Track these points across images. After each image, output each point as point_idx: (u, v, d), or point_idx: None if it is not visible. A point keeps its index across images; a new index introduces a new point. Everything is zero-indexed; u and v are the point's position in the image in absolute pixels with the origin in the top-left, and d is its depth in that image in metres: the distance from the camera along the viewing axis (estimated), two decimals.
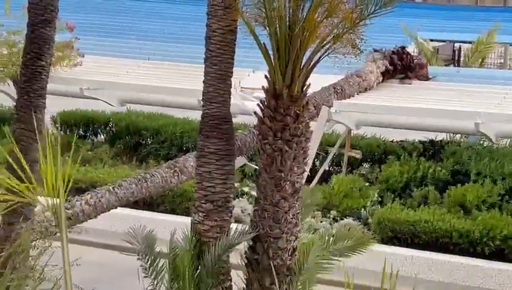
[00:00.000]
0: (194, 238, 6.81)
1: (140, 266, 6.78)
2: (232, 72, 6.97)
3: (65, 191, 4.01)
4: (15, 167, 5.33)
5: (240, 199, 14.91)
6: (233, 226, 7.15)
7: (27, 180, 4.13)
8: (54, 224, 7.34)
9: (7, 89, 19.96)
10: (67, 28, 19.17)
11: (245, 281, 6.88)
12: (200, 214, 6.90)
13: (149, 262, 6.75)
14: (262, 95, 6.82)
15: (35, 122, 8.04)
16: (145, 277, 6.74)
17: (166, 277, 6.70)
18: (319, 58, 6.50)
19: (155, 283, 6.70)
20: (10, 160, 5.75)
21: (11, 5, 18.46)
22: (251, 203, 15.05)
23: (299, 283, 6.61)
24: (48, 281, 4.80)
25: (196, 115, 19.86)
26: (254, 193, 13.88)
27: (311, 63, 6.53)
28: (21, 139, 8.01)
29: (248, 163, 13.56)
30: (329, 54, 6.45)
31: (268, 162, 6.63)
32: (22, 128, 8.31)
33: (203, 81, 6.99)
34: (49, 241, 8.13)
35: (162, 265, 6.80)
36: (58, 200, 3.90)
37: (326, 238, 7.14)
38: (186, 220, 6.94)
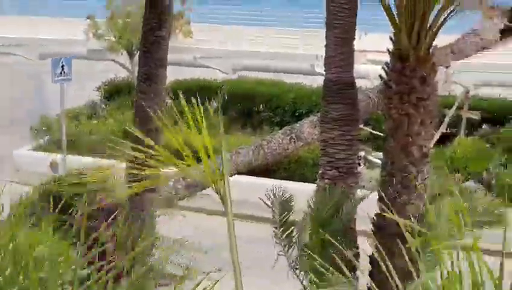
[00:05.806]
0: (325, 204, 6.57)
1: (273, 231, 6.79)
2: (354, 35, 6.95)
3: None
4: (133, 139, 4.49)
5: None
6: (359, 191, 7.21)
7: (149, 149, 3.63)
8: (174, 193, 8.44)
9: (121, 59, 19.04)
10: None
11: (374, 248, 6.07)
12: (326, 181, 6.85)
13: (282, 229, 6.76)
14: (376, 57, 6.26)
15: (155, 93, 8.29)
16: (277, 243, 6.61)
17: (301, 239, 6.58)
18: (446, 17, 6.11)
19: (286, 249, 6.68)
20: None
21: None
22: (368, 168, 15.33)
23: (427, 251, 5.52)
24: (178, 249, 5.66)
25: (308, 81, 18.79)
26: (371, 158, 14.84)
27: (438, 23, 6.10)
28: (141, 110, 8.29)
29: (363, 127, 13.25)
30: (456, 12, 6.10)
31: (395, 126, 6.20)
32: (142, 99, 8.48)
33: (325, 46, 6.97)
34: (170, 211, 8.98)
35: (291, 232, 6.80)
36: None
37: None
38: (306, 187, 7.35)
